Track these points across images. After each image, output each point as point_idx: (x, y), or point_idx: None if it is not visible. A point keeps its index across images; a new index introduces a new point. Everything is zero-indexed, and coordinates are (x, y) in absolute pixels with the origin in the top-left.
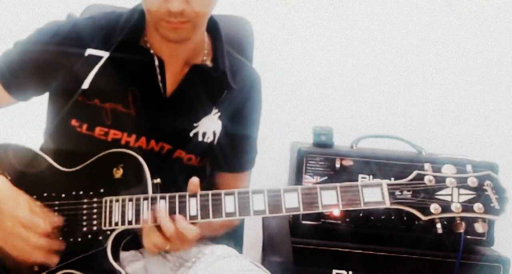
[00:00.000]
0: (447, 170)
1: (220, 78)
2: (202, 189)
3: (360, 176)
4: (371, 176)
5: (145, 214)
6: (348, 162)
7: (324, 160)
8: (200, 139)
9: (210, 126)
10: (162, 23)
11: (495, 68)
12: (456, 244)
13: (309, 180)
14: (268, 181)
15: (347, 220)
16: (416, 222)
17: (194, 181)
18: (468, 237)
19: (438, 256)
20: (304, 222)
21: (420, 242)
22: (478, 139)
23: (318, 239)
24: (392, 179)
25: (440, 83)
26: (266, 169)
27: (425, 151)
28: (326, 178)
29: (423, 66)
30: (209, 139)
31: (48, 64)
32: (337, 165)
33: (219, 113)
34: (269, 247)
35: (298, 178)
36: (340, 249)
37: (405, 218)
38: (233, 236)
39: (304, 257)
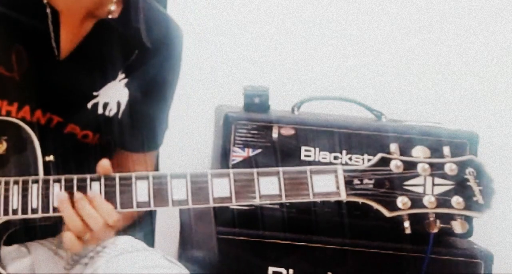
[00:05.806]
0: (419, 153)
1: (131, 35)
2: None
3: (303, 148)
4: (317, 149)
5: (34, 201)
6: (288, 131)
7: (258, 128)
8: (100, 111)
9: (113, 96)
10: None
11: (465, 16)
12: (425, 235)
13: (239, 154)
14: (187, 156)
15: (287, 204)
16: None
17: (103, 164)
18: (441, 225)
19: (402, 250)
20: (232, 207)
21: (379, 232)
22: (451, 101)
23: (250, 228)
24: (344, 152)
25: (401, 33)
26: (185, 140)
27: (385, 117)
28: (260, 150)
29: (382, 11)
30: (111, 111)
31: None
32: (275, 135)
33: (126, 80)
34: (187, 238)
35: (224, 151)
36: (278, 241)
37: (360, 203)
38: (140, 225)
39: (232, 252)
